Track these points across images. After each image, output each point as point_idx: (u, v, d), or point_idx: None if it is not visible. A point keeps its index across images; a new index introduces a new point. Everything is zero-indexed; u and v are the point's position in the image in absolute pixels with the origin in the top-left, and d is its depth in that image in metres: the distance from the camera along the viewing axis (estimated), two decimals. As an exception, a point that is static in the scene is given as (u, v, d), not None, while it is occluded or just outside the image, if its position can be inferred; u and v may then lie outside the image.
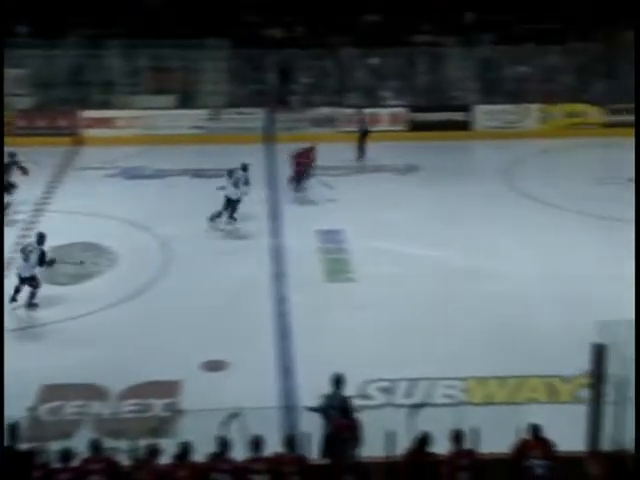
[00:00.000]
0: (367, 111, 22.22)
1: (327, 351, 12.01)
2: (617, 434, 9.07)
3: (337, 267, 15.36)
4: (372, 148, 21.19)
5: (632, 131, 22.63)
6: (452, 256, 15.78)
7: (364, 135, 21.34)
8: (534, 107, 23.56)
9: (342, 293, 14.38)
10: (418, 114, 23.42)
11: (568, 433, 9.44)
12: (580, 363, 10.13)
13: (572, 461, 9.09)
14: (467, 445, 8.75)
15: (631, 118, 23.08)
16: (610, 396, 9.31)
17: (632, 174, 19.88)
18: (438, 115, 23.42)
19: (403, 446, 8.78)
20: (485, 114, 23.54)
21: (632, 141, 22.02)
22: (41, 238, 13.81)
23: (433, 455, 8.77)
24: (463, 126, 23.32)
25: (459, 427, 8.81)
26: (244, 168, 16.92)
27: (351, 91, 24.23)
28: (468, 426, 8.80)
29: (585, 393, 10.14)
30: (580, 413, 9.70)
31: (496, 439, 8.78)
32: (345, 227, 16.73)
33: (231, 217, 16.82)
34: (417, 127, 23.26)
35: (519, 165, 20.96)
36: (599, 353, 9.37)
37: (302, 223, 17.14)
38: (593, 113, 23.55)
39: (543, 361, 12.19)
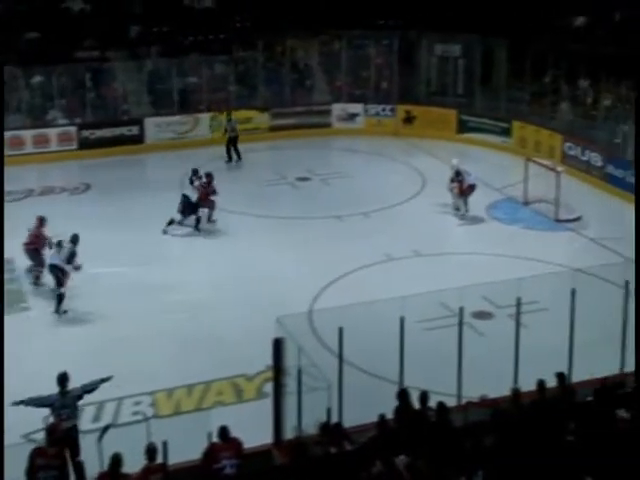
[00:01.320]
0: (34, 132, 21.33)
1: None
2: (298, 421, 9.45)
3: (10, 298, 14.53)
4: (42, 169, 20.32)
5: (294, 133, 23.98)
6: (130, 271, 15.65)
7: (233, 140, 22.06)
8: (204, 116, 23.99)
9: (18, 325, 13.52)
10: (88, 131, 22.96)
11: (256, 428, 9.73)
12: (265, 360, 10.39)
13: (260, 455, 9.37)
14: (159, 459, 8.66)
15: (292, 121, 24.42)
16: (290, 386, 9.70)
17: (298, 174, 21.12)
18: (109, 131, 23.12)
19: (96, 472, 8.52)
20: (156, 126, 23.57)
21: (294, 142, 23.32)
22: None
23: (125, 476, 8.58)
24: (136, 140, 23.18)
25: (150, 442, 8.70)
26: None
27: (16, 112, 23.12)
28: (160, 440, 8.71)
29: (269, 388, 10.49)
30: (266, 407, 10.01)
31: (188, 448, 8.80)
32: (15, 255, 15.81)
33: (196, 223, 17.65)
34: (88, 145, 22.80)
35: (193, 174, 21.14)
36: (278, 347, 9.72)
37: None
38: (260, 118, 24.47)
39: (230, 363, 12.44)
